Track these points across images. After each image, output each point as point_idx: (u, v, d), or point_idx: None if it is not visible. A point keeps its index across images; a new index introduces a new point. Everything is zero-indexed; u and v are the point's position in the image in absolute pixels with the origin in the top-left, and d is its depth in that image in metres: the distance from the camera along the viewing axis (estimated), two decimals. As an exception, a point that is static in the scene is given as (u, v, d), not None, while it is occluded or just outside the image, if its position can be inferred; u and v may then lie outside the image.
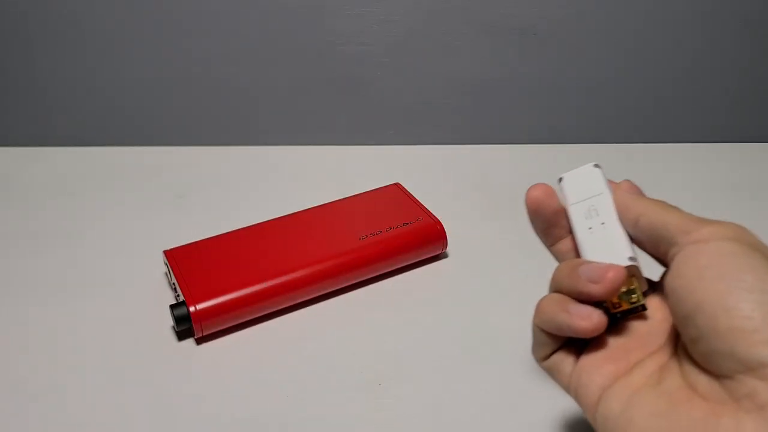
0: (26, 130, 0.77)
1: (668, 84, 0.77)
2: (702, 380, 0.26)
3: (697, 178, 0.70)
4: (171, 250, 0.53)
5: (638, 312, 0.31)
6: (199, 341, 0.49)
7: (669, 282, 0.28)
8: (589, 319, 0.30)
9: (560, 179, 0.36)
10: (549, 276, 0.56)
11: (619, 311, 0.31)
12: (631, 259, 0.30)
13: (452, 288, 0.55)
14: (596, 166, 0.34)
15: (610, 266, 0.30)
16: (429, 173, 0.70)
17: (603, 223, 0.32)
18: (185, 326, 0.48)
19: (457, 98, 0.76)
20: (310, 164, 0.72)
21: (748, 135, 0.79)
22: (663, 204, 0.31)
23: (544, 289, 0.55)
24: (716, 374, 0.26)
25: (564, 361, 0.33)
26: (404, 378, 0.46)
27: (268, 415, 0.43)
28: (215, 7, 0.70)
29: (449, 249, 0.58)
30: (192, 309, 0.47)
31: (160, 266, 0.56)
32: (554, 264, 0.57)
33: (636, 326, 0.32)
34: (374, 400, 0.44)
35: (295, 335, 0.50)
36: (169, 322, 0.50)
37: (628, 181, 0.34)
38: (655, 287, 0.33)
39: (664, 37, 0.74)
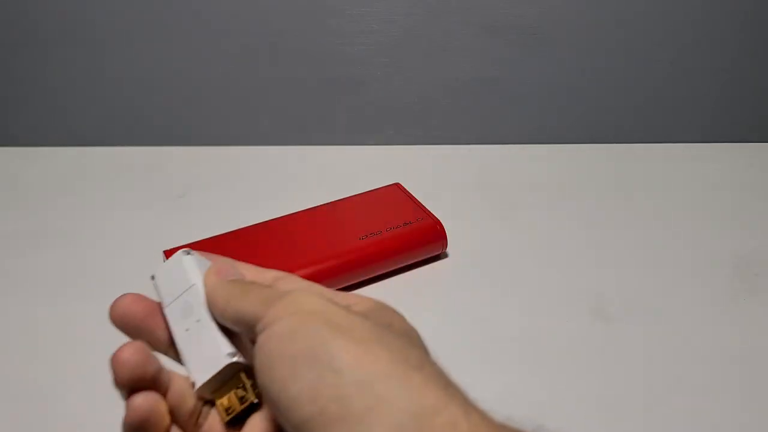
0: (26, 130, 0.77)
1: (668, 84, 0.77)
2: None
3: (697, 178, 0.70)
4: (171, 250, 0.53)
5: (256, 410, 0.27)
6: (199, 341, 0.49)
7: (258, 374, 0.24)
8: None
9: (152, 277, 0.31)
10: (549, 276, 0.56)
11: (234, 415, 0.27)
12: (231, 354, 0.27)
13: (452, 288, 0.54)
14: (187, 252, 0.31)
15: (122, 347, 0.27)
16: (429, 173, 0.70)
17: (198, 321, 0.28)
18: (185, 326, 0.48)
19: (457, 98, 0.76)
20: (310, 164, 0.72)
21: (749, 135, 0.79)
22: (244, 285, 0.28)
23: (544, 289, 0.55)
24: None
25: None
26: (404, 378, 0.46)
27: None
28: (215, 7, 0.70)
29: (449, 249, 0.58)
30: (192, 309, 0.47)
31: (160, 266, 0.55)
32: (557, 264, 0.57)
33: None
34: (374, 400, 0.44)
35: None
36: (169, 322, 0.50)
37: (220, 261, 0.30)
38: None
39: (664, 38, 0.74)
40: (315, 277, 0.51)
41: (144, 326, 0.29)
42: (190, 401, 0.28)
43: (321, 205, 0.59)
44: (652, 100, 0.78)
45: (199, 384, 0.28)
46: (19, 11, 0.70)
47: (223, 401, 0.27)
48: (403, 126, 0.78)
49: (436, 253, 0.57)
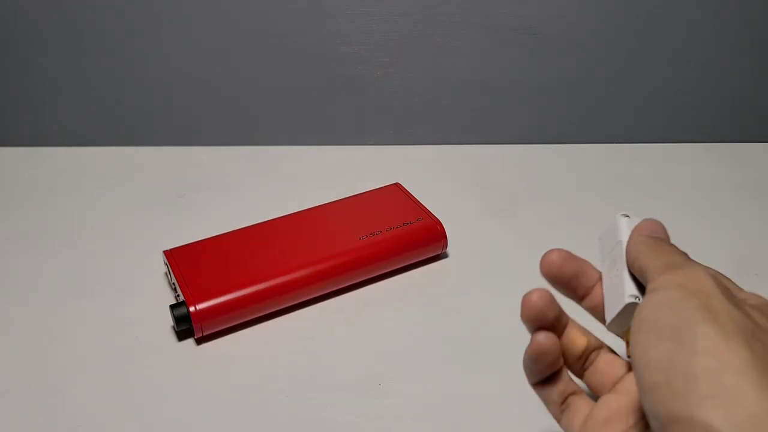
0: (26, 130, 0.77)
1: (668, 84, 0.77)
2: None
3: (697, 178, 0.70)
4: (171, 250, 0.53)
5: None
6: (199, 341, 0.49)
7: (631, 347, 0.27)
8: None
9: (599, 238, 0.36)
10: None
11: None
12: (632, 296, 0.30)
13: (452, 288, 0.55)
14: (624, 215, 0.35)
15: (532, 291, 0.32)
16: (429, 173, 0.70)
17: (617, 270, 0.32)
18: (185, 326, 0.48)
19: (457, 98, 0.76)
20: (310, 164, 0.72)
21: (749, 135, 0.79)
22: (658, 245, 0.30)
23: (544, 289, 0.55)
24: None
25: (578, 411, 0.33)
26: (404, 378, 0.46)
27: (268, 415, 0.43)
28: (215, 7, 0.70)
29: (449, 249, 0.58)
30: (192, 309, 0.47)
31: (160, 266, 0.56)
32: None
33: (635, 390, 0.31)
34: (374, 400, 0.44)
35: (295, 335, 0.50)
36: (169, 322, 0.50)
37: (650, 219, 0.33)
38: None
39: (664, 37, 0.74)
40: (315, 277, 0.52)
41: (569, 283, 0.34)
42: (580, 345, 0.33)
43: (321, 205, 0.59)
44: (652, 99, 0.78)
45: (607, 321, 0.32)
46: (19, 11, 0.70)
47: (628, 337, 0.29)
48: (403, 126, 0.78)
49: (436, 253, 0.57)
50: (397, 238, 0.55)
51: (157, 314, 0.51)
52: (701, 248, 0.60)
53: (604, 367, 0.33)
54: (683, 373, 0.23)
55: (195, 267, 0.51)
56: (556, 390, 0.33)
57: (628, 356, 0.29)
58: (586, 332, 0.34)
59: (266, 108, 0.76)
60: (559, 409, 0.33)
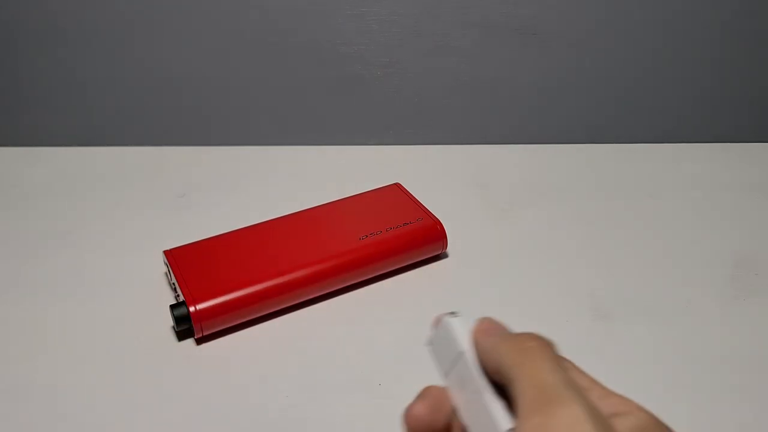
0: (26, 130, 0.77)
1: (668, 84, 0.77)
2: None
3: (697, 178, 0.70)
4: (171, 250, 0.53)
5: None
6: (199, 341, 0.49)
7: None
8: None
9: (429, 342, 0.31)
10: (549, 276, 0.56)
11: None
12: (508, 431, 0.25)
13: (452, 288, 0.55)
14: (451, 314, 0.29)
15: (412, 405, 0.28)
16: (429, 173, 0.70)
17: (474, 392, 0.27)
18: (185, 326, 0.48)
19: (457, 98, 0.76)
20: (310, 164, 0.72)
21: (749, 135, 0.79)
22: (517, 353, 0.26)
23: (543, 289, 0.55)
24: None
25: None
26: (403, 378, 0.46)
27: (268, 415, 0.43)
28: (215, 6, 0.70)
29: (449, 249, 0.58)
30: (192, 309, 0.47)
31: (160, 266, 0.56)
32: (557, 264, 0.57)
33: None
34: (374, 400, 0.44)
35: (295, 335, 0.50)
36: (169, 322, 0.50)
37: (486, 319, 0.29)
38: None
39: (664, 37, 0.74)
40: (315, 277, 0.52)
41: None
42: None
43: (321, 205, 0.59)
44: (653, 99, 0.77)
45: None
46: (19, 11, 0.70)
47: None
48: (403, 126, 0.78)
49: (436, 253, 0.57)
50: (397, 238, 0.55)
51: (157, 314, 0.51)
52: (702, 248, 0.60)
53: None
54: None
55: (195, 267, 0.51)
56: None
57: None
58: None
59: (266, 108, 0.76)
60: None
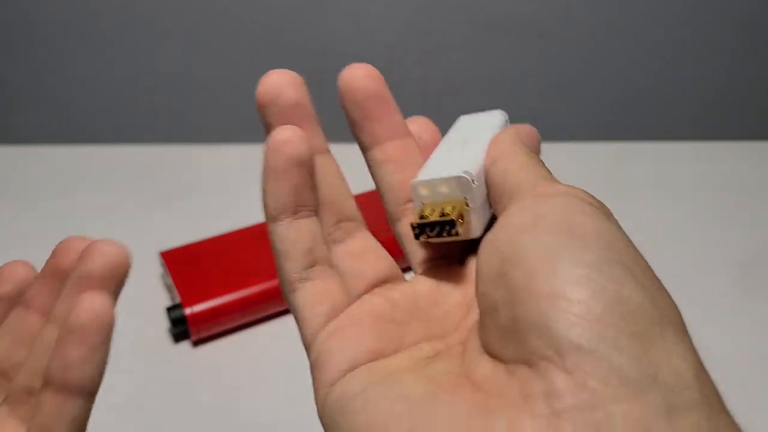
0: (26, 129, 0.77)
1: (669, 83, 0.76)
2: (484, 365, 0.20)
3: (699, 177, 0.69)
4: (167, 251, 0.53)
5: (448, 235, 0.25)
6: (196, 343, 0.49)
7: (490, 234, 0.21)
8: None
9: (460, 118, 0.31)
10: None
11: (426, 222, 0.25)
12: (467, 173, 0.24)
13: (452, 289, 0.54)
14: (502, 113, 0.30)
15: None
16: (429, 173, 0.69)
17: (463, 146, 0.27)
18: (181, 328, 0.47)
19: (458, 97, 0.76)
20: (310, 164, 0.71)
21: (752, 133, 0.78)
22: (531, 156, 0.25)
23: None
24: (509, 357, 0.19)
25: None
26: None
27: (266, 417, 0.43)
28: (214, 6, 0.70)
29: (449, 250, 0.57)
30: (188, 311, 0.47)
31: (157, 267, 0.55)
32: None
33: (424, 304, 0.26)
34: (372, 403, 0.44)
35: (292, 337, 0.49)
36: (165, 324, 0.50)
37: (529, 126, 0.27)
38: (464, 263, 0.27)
39: (665, 36, 0.73)
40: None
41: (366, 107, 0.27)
42: None
43: (320, 206, 0.59)
44: (653, 99, 0.77)
45: (420, 178, 0.25)
46: (19, 10, 0.70)
47: (425, 208, 0.25)
48: (403, 126, 0.77)
49: (436, 254, 0.56)
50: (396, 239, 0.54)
51: (153, 316, 0.50)
52: (704, 248, 0.59)
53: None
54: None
55: (192, 268, 0.51)
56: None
57: (414, 223, 0.25)
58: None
59: (266, 108, 0.76)
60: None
